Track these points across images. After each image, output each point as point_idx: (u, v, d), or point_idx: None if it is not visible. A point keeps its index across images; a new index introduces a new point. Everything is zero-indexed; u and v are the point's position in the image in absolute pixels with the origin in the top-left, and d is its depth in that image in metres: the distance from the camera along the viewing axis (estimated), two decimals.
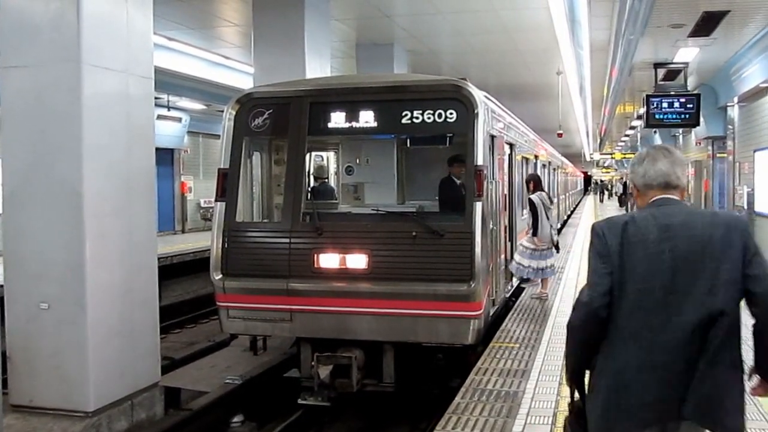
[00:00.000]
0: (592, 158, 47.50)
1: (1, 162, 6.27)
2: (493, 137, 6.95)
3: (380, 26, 12.10)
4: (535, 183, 9.17)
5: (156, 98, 10.67)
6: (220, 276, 6.55)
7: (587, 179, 61.96)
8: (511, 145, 8.99)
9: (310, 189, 7.89)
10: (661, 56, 12.70)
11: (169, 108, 17.96)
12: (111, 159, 6.27)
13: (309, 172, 7.95)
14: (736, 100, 13.96)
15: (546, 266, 8.88)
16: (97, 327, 6.06)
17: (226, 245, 6.58)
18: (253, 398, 7.24)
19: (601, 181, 66.32)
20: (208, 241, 6.83)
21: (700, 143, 18.80)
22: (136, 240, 6.55)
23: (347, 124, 6.65)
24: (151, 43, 6.86)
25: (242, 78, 15.15)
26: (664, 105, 13.92)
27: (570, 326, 2.59)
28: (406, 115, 6.44)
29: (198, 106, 18.78)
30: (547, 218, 8.88)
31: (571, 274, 11.46)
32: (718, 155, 17.22)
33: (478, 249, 5.98)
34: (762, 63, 11.31)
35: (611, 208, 34.96)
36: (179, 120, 19.43)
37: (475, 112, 6.25)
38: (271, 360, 7.94)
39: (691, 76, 14.25)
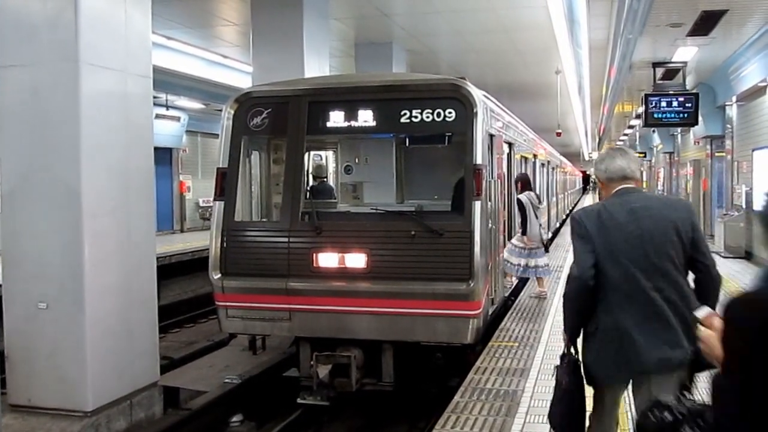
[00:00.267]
0: (590, 157, 47.53)
1: (0, 161, 6.26)
2: (492, 136, 6.95)
3: (379, 25, 12.10)
4: (523, 183, 9.22)
5: (154, 97, 10.65)
6: (219, 275, 6.54)
7: (586, 178, 61.98)
8: (510, 144, 8.99)
9: (308, 188, 7.89)
10: (660, 55, 12.72)
11: (167, 107, 17.94)
12: (109, 158, 6.27)
13: (308, 171, 7.94)
14: (734, 99, 13.97)
15: (539, 265, 8.92)
16: (96, 327, 6.05)
17: (224, 245, 6.57)
18: (252, 398, 7.24)
19: None
20: (207, 241, 6.83)
21: (698, 142, 18.81)
22: (134, 239, 6.54)
23: (346, 124, 6.64)
24: (149, 42, 6.85)
25: (241, 77, 15.14)
26: (663, 104, 13.93)
27: (566, 296, 3.17)
28: (404, 114, 6.44)
29: (197, 105, 18.76)
30: (536, 217, 8.93)
31: None
32: (716, 154, 17.23)
33: (477, 248, 5.98)
34: (760, 62, 11.31)
35: None
36: (178, 119, 19.41)
37: (474, 111, 6.24)
38: (270, 359, 7.94)
39: (690, 75, 14.26)
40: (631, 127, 27.33)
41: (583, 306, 3.08)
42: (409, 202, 8.17)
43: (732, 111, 14.61)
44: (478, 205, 6.08)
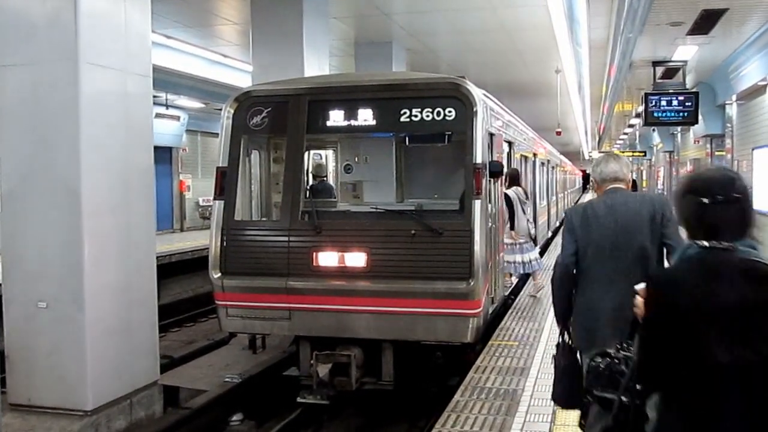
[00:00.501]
0: (590, 156, 47.55)
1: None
2: (491, 135, 6.95)
3: (379, 24, 12.09)
4: (511, 178, 9.24)
5: (154, 96, 10.64)
6: (219, 274, 6.54)
7: (586, 177, 62.01)
8: (510, 143, 8.99)
9: (308, 187, 7.88)
10: (660, 54, 12.71)
11: (167, 106, 17.92)
12: (109, 157, 6.26)
13: (308, 170, 7.94)
14: (734, 98, 13.95)
15: (530, 260, 8.94)
16: (96, 326, 6.05)
17: (224, 244, 6.57)
18: (252, 397, 7.24)
19: None
20: (207, 240, 6.82)
21: (698, 141, 18.80)
22: (134, 239, 6.54)
23: (346, 123, 6.64)
24: (149, 41, 6.84)
25: (241, 76, 15.12)
26: (663, 103, 13.92)
27: (553, 281, 3.69)
28: (404, 113, 6.44)
29: (196, 104, 18.75)
30: (524, 212, 8.96)
31: None
32: (716, 153, 17.22)
33: (477, 247, 5.98)
34: (760, 61, 11.31)
35: None
36: (178, 118, 19.39)
37: (474, 110, 6.24)
38: (270, 358, 7.94)
39: (690, 74, 14.25)
40: (631, 126, 27.33)
41: (567, 289, 3.61)
42: (409, 201, 8.16)
43: (732, 110, 14.60)
44: (478, 204, 6.08)
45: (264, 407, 7.21)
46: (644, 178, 39.53)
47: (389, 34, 12.80)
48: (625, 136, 34.25)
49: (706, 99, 14.77)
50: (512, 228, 8.82)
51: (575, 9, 11.12)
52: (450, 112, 6.33)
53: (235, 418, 6.99)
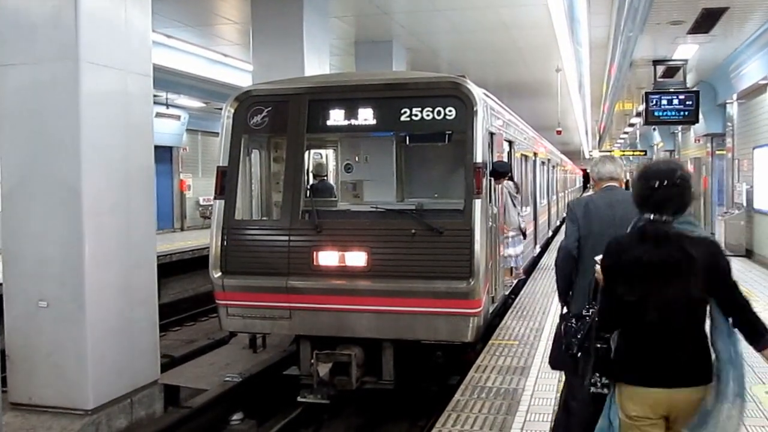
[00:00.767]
0: (591, 155, 47.53)
1: (0, 160, 6.25)
2: (492, 134, 6.95)
3: (379, 23, 12.09)
4: None
5: (155, 96, 10.65)
6: (219, 274, 6.54)
7: (586, 176, 62.06)
8: (511, 143, 8.99)
9: (309, 187, 7.89)
10: (660, 53, 12.70)
11: (167, 106, 17.93)
12: (109, 157, 6.26)
13: (308, 169, 7.94)
14: (735, 97, 13.94)
15: (516, 254, 8.95)
16: (96, 325, 6.05)
17: (225, 243, 6.58)
18: (252, 396, 7.24)
19: None
20: (207, 239, 6.82)
21: (699, 140, 18.78)
22: (135, 238, 6.54)
23: (346, 122, 6.64)
24: (149, 41, 6.84)
25: (241, 75, 15.13)
26: (663, 102, 13.92)
27: (557, 263, 4.07)
28: (405, 112, 6.44)
29: (197, 103, 18.76)
30: (514, 206, 8.96)
31: None
32: (717, 152, 17.20)
33: (477, 246, 5.98)
34: (761, 60, 11.30)
35: None
36: (178, 118, 19.39)
37: (474, 109, 6.24)
38: (271, 358, 7.94)
39: (690, 73, 14.24)
40: (631, 125, 27.32)
41: (569, 271, 4.01)
42: (410, 201, 8.16)
43: (733, 109, 14.59)
44: (478, 203, 6.08)
45: (264, 406, 7.22)
46: None
47: (389, 33, 12.79)
48: (626, 136, 34.22)
49: (707, 98, 14.76)
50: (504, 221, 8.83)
51: (575, 8, 11.10)
52: (450, 111, 6.33)
53: (235, 417, 7.00)
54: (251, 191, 7.32)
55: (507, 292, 8.52)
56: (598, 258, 2.94)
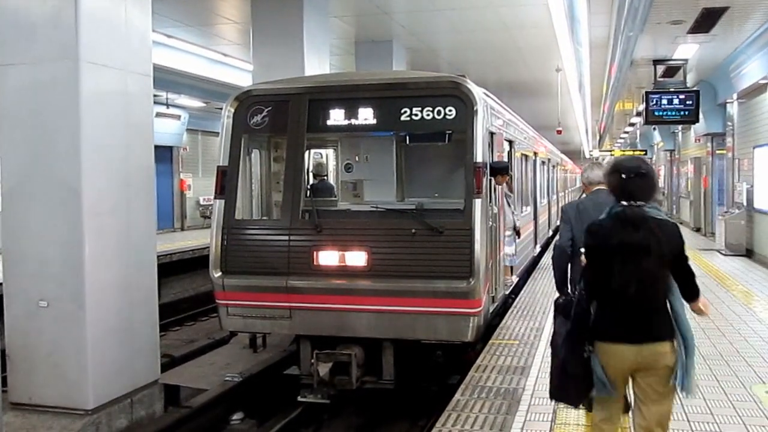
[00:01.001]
0: (591, 155, 47.53)
1: (0, 160, 6.25)
2: (492, 134, 6.95)
3: (379, 23, 12.09)
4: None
5: (155, 96, 10.65)
6: (220, 273, 6.54)
7: None
8: (511, 142, 8.98)
9: (309, 186, 7.88)
10: (661, 53, 12.70)
11: (168, 105, 17.94)
12: (110, 157, 6.26)
13: (308, 169, 7.94)
14: (735, 96, 13.95)
15: (510, 254, 8.96)
16: (96, 325, 6.05)
17: (225, 243, 6.58)
18: (252, 396, 7.25)
19: None
20: (208, 239, 6.82)
21: (699, 140, 18.79)
22: (135, 238, 6.54)
23: (346, 122, 6.64)
24: (149, 41, 6.84)
25: (241, 75, 15.13)
26: (664, 102, 13.92)
27: (553, 259, 4.78)
28: (405, 112, 6.43)
29: (197, 103, 18.76)
30: (508, 205, 8.95)
31: None
32: (717, 152, 17.21)
33: (477, 246, 5.98)
34: (761, 59, 11.30)
35: None
36: (178, 117, 19.40)
37: (474, 109, 6.24)
38: (271, 357, 7.95)
39: (691, 72, 14.24)
40: (631, 124, 27.31)
41: (564, 265, 4.68)
42: (410, 200, 8.16)
43: (733, 108, 14.59)
44: (478, 202, 6.08)
45: (264, 406, 7.22)
46: None
47: (389, 33, 12.79)
48: (626, 135, 34.21)
49: (707, 97, 14.77)
50: None
51: (576, 7, 11.10)
52: (450, 111, 6.33)
53: (235, 417, 7.00)
54: (251, 191, 7.32)
55: (507, 292, 8.52)
56: (583, 249, 3.50)
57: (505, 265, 9.04)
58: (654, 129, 25.45)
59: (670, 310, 3.27)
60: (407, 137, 8.14)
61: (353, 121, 6.62)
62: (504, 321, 7.73)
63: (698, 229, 19.18)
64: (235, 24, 12.24)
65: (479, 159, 6.18)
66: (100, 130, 6.13)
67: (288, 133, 6.73)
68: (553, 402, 4.96)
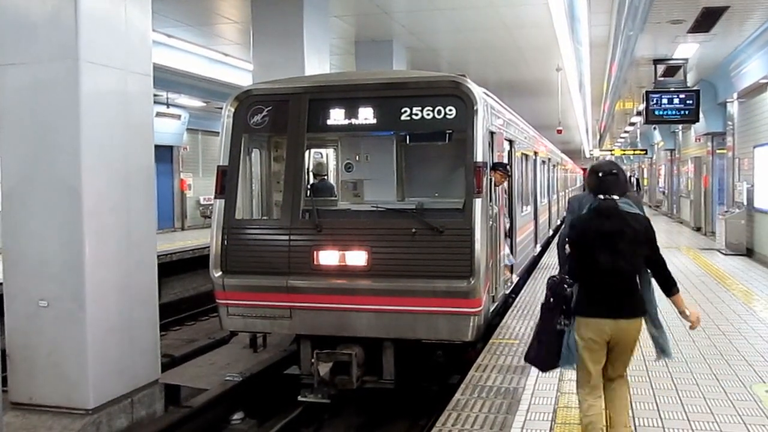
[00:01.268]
0: (591, 154, 47.56)
1: (0, 160, 6.25)
2: (492, 134, 6.95)
3: (379, 23, 12.09)
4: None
5: (155, 95, 10.66)
6: (220, 273, 6.54)
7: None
8: (511, 142, 8.98)
9: (309, 186, 7.88)
10: (661, 52, 12.70)
11: (168, 105, 17.94)
12: (110, 157, 6.26)
13: (308, 169, 7.94)
14: (735, 95, 13.94)
15: (506, 254, 8.96)
16: (97, 324, 6.06)
17: (225, 242, 6.57)
18: (253, 395, 7.25)
19: None
20: (208, 239, 6.82)
21: (699, 139, 18.78)
22: (135, 237, 6.54)
23: (346, 121, 6.64)
24: (149, 40, 6.84)
25: (241, 75, 15.14)
26: (664, 101, 13.93)
27: (558, 246, 5.59)
28: (405, 111, 6.43)
29: (197, 103, 18.77)
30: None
31: None
32: (717, 151, 17.21)
33: (477, 245, 5.98)
34: (762, 59, 11.29)
35: None
36: (178, 117, 19.41)
37: (475, 108, 6.24)
38: (271, 357, 7.95)
39: (691, 72, 14.24)
40: (632, 124, 27.32)
41: (565, 250, 5.04)
42: (410, 200, 8.16)
43: (733, 108, 14.59)
44: (478, 202, 6.08)
45: (265, 406, 7.22)
46: (645, 176, 39.47)
47: (390, 33, 12.80)
48: (626, 134, 34.22)
49: (707, 97, 14.76)
50: None
51: (576, 7, 11.11)
52: (451, 110, 6.33)
53: (236, 416, 7.00)
54: (251, 191, 7.31)
55: (507, 291, 8.52)
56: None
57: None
58: (654, 128, 25.46)
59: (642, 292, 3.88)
60: (407, 137, 8.14)
61: (353, 121, 6.62)
62: (504, 320, 7.73)
63: (698, 229, 19.18)
64: (235, 24, 12.24)
65: (479, 158, 6.18)
66: (100, 130, 6.13)
67: (288, 133, 6.73)
68: (553, 401, 4.97)
